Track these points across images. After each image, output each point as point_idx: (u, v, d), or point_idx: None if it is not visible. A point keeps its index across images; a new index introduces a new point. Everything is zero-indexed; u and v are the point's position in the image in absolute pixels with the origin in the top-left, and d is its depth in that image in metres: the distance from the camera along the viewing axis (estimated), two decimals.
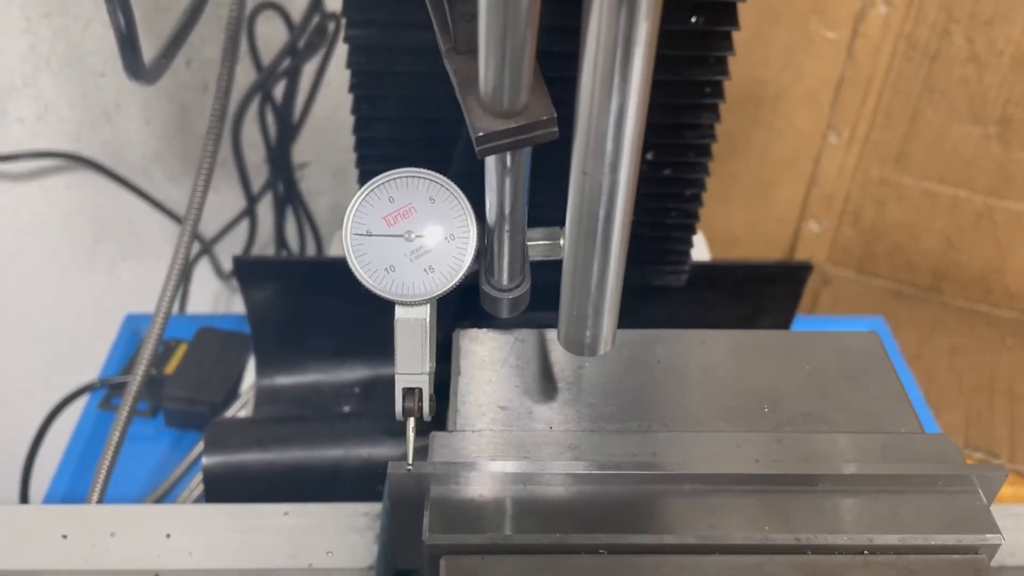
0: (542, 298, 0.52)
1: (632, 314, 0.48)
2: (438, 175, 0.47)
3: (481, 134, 0.38)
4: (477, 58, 0.37)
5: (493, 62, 0.36)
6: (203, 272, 1.22)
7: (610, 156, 0.36)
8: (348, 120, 1.22)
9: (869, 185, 1.10)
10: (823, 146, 1.09)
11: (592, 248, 0.39)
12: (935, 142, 1.03)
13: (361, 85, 0.65)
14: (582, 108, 0.35)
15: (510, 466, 0.47)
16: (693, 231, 0.74)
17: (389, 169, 0.47)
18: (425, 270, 0.46)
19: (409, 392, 0.47)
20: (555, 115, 0.38)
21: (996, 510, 0.48)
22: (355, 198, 0.46)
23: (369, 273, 0.46)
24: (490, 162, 0.43)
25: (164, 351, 0.93)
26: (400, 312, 0.46)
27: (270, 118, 1.08)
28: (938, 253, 1.11)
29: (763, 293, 0.84)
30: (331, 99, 1.10)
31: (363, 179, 0.69)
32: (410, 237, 0.46)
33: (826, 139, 1.08)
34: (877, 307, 1.18)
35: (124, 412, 0.76)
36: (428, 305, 0.46)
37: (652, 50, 0.33)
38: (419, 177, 0.46)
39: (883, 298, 1.17)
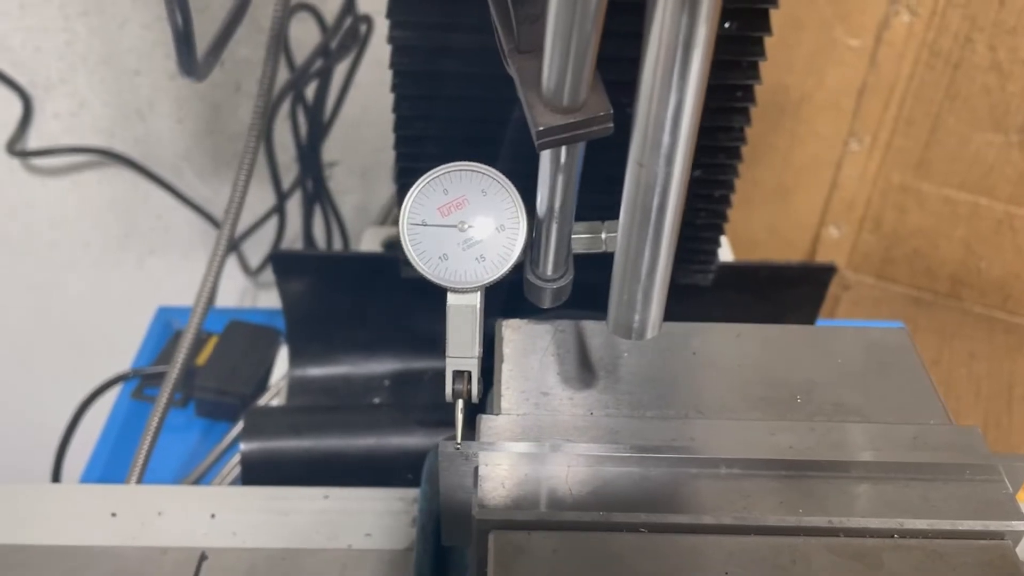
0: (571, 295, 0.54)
1: None
2: (490, 169, 0.48)
3: (542, 128, 0.39)
4: (539, 57, 0.39)
5: (557, 60, 0.37)
6: (229, 268, 1.23)
7: (666, 150, 0.37)
8: (376, 121, 1.23)
9: (890, 191, 1.10)
10: (844, 152, 1.10)
11: (644, 236, 0.40)
12: (956, 150, 1.03)
13: (403, 85, 0.66)
14: (642, 104, 0.36)
15: (554, 447, 0.48)
16: (721, 231, 0.75)
17: (428, 166, 0.49)
18: (476, 259, 0.48)
19: (459, 375, 0.49)
20: (611, 111, 0.40)
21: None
22: (412, 190, 0.48)
23: (424, 261, 0.48)
24: (545, 156, 0.45)
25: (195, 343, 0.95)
26: (452, 299, 0.48)
27: (301, 117, 1.09)
28: (957, 260, 1.11)
29: (787, 294, 0.86)
30: (360, 100, 1.12)
31: (401, 176, 0.71)
32: (463, 227, 0.48)
33: (847, 145, 1.09)
34: (896, 313, 1.18)
35: (163, 400, 0.78)
36: (479, 292, 0.48)
37: (709, 52, 0.35)
38: (472, 171, 0.48)
39: (902, 304, 1.18)
